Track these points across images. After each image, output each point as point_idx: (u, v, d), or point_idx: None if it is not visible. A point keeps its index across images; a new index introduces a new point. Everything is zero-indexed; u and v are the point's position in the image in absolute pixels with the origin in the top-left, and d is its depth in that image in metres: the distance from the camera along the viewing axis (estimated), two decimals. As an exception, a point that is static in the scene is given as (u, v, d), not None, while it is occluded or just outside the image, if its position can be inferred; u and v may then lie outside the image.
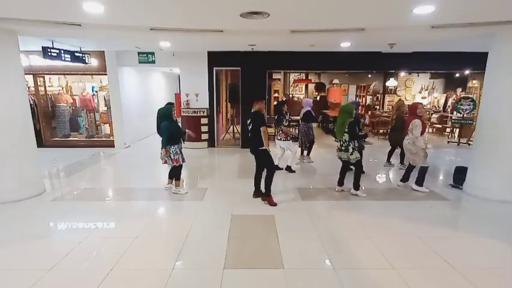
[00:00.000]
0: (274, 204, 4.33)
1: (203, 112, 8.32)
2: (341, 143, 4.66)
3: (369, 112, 11.29)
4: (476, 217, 4.12)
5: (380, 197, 4.81)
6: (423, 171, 4.86)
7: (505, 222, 3.87)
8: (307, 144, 6.81)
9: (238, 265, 2.88)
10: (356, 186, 4.75)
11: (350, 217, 4.00)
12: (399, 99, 8.79)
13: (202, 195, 4.79)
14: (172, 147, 4.61)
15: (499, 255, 3.10)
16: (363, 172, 5.38)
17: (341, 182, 4.93)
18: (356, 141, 4.64)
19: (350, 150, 4.56)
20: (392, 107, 6.96)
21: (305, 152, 6.94)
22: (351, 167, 4.84)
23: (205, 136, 8.47)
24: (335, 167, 6.51)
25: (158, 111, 4.73)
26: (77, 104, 9.09)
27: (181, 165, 4.81)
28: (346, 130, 4.52)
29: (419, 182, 4.93)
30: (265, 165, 4.44)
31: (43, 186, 4.96)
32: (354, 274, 2.75)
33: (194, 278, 2.72)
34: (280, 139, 5.93)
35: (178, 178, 4.89)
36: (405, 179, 5.13)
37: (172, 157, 4.62)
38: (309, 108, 6.69)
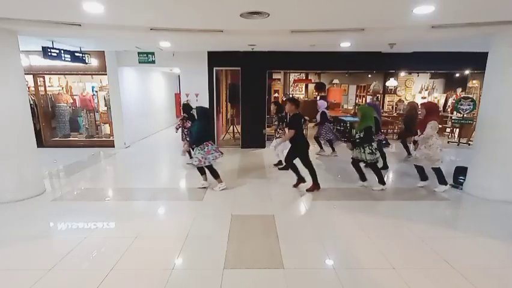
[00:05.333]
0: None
1: (203, 112, 8.31)
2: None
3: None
4: (476, 217, 4.12)
5: (379, 197, 4.81)
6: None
7: (505, 222, 3.87)
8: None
9: (238, 265, 2.87)
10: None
11: (350, 217, 4.00)
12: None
13: (202, 195, 4.79)
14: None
15: (499, 255, 3.10)
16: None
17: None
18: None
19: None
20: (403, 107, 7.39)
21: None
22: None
23: (205, 136, 8.45)
24: (333, 167, 6.51)
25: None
26: (77, 104, 9.09)
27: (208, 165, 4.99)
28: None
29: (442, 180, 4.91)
30: None
31: (43, 186, 4.96)
32: (354, 274, 2.75)
33: (194, 278, 2.72)
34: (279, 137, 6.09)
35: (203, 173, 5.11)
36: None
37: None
38: (324, 110, 7.39)
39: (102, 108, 9.18)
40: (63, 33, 5.11)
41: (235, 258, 2.99)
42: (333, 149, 7.53)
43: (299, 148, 4.86)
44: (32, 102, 7.79)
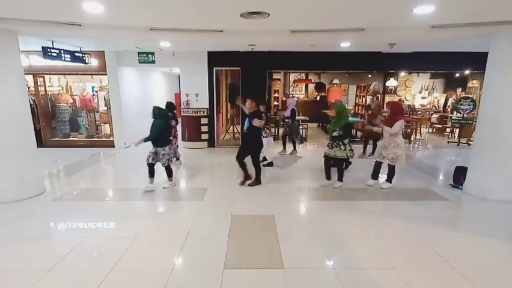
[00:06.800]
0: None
1: (203, 112, 8.31)
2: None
3: (369, 112, 11.28)
4: (476, 217, 4.12)
5: (379, 197, 4.81)
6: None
7: (505, 222, 3.87)
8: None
9: (238, 265, 2.87)
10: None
11: (350, 217, 4.00)
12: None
13: (202, 195, 4.79)
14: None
15: (499, 255, 3.10)
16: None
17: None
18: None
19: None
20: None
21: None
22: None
23: (205, 136, 8.46)
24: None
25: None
26: (77, 104, 9.08)
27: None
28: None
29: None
30: None
31: (43, 186, 4.95)
32: (354, 274, 2.75)
33: (194, 278, 2.72)
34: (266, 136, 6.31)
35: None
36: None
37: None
38: (293, 107, 7.44)
39: (102, 108, 9.17)
40: (63, 33, 5.11)
41: (235, 258, 2.99)
42: (295, 148, 7.61)
43: (258, 144, 5.14)
44: (32, 102, 7.79)
